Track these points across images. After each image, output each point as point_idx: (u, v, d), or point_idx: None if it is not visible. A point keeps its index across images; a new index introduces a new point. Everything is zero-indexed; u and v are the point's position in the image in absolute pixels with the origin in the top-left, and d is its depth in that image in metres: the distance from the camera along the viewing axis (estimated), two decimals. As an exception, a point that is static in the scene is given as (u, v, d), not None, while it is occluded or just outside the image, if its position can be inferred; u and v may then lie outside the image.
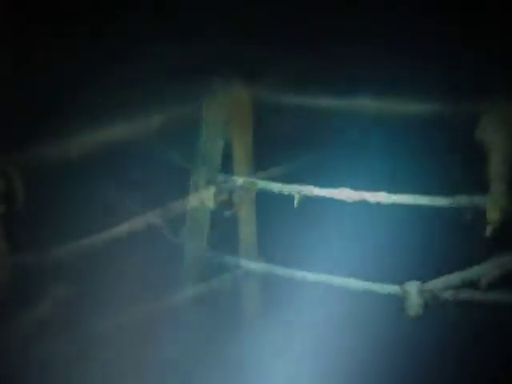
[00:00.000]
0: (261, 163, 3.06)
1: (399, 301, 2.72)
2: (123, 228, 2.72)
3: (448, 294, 2.70)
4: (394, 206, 2.75)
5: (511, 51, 2.93)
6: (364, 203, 2.82)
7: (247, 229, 3.09)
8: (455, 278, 2.72)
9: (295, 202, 2.84)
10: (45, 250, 2.55)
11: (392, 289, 2.77)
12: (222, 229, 3.05)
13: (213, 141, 3.04)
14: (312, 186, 2.84)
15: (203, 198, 2.91)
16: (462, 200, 2.64)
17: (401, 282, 2.74)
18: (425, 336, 2.87)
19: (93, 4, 2.78)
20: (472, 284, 2.69)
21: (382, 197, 2.78)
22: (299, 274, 2.92)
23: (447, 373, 2.85)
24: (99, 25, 2.83)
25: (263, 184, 2.92)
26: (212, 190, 2.91)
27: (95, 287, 2.86)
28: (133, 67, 2.85)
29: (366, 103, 2.72)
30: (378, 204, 2.78)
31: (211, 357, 3.05)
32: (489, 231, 2.59)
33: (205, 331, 3.08)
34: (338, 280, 2.89)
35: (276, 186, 2.88)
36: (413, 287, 2.72)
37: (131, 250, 2.82)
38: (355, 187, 2.83)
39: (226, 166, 2.98)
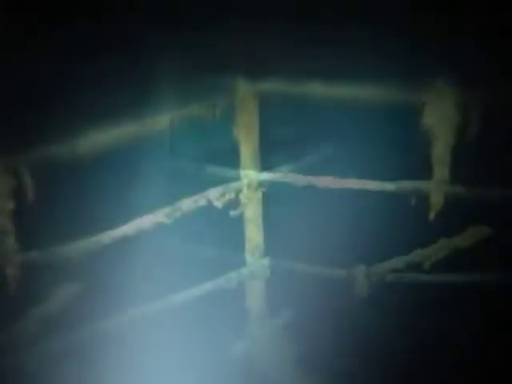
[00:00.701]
0: (267, 162, 3.11)
1: (347, 284, 2.84)
2: (132, 226, 2.74)
3: (393, 277, 2.82)
4: (340, 191, 2.82)
5: (454, 39, 2.96)
6: (312, 188, 2.89)
7: (253, 228, 3.12)
8: (400, 261, 2.83)
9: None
10: (54, 248, 2.60)
11: (339, 273, 2.90)
12: (229, 228, 3.10)
13: (220, 140, 3.10)
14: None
15: (210, 197, 2.96)
16: (407, 185, 2.70)
17: (348, 267, 2.86)
18: (372, 318, 2.98)
19: (104, 4, 2.81)
20: (417, 266, 2.80)
21: (329, 182, 2.85)
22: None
23: (394, 353, 2.94)
24: (110, 24, 2.86)
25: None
26: (219, 189, 2.98)
27: (103, 285, 2.91)
28: (142, 66, 2.89)
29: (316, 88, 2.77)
30: (326, 189, 2.85)
31: (216, 355, 3.11)
32: (432, 215, 2.66)
33: (210, 329, 3.14)
34: (287, 264, 3.06)
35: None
36: (359, 271, 2.83)
37: (139, 248, 2.86)
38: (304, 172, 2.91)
39: (233, 165, 3.03)
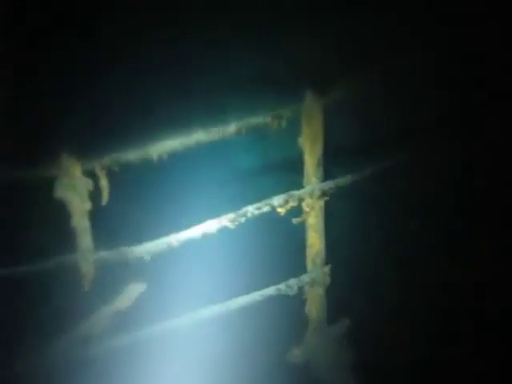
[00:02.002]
0: (330, 172, 3.21)
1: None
2: (197, 230, 2.89)
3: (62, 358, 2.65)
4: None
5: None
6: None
7: (315, 235, 3.22)
8: (65, 339, 2.74)
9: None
10: (125, 248, 2.76)
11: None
12: (290, 235, 3.21)
13: (285, 149, 3.21)
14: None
15: (274, 204, 3.07)
16: (57, 261, 2.68)
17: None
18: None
19: (176, 18, 2.97)
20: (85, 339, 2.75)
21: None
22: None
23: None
24: (181, 35, 3.02)
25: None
26: (283, 196, 3.08)
27: (168, 286, 3.05)
28: (210, 76, 3.03)
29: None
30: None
31: (274, 360, 3.21)
32: (87, 285, 2.70)
33: (269, 334, 3.25)
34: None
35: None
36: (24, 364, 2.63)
37: (204, 251, 3.00)
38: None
39: (297, 173, 3.14)
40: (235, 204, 3.03)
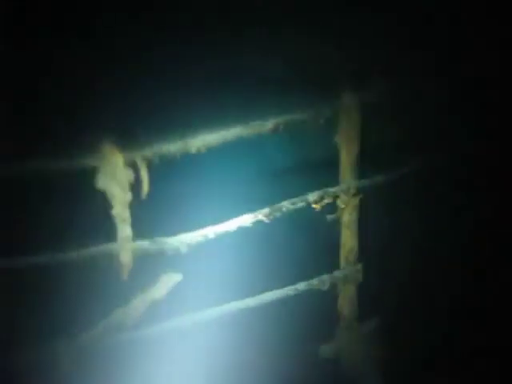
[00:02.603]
0: (365, 170, 3.25)
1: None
2: (233, 223, 2.95)
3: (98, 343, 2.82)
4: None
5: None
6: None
7: (348, 233, 3.26)
8: (104, 324, 2.86)
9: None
10: (163, 238, 2.84)
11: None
12: (324, 231, 3.26)
13: (321, 146, 3.26)
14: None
15: (309, 200, 3.13)
16: (97, 249, 2.75)
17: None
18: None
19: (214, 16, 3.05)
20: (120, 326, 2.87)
21: None
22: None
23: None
24: (220, 31, 3.09)
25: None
26: (318, 193, 3.13)
27: (201, 277, 3.13)
28: (251, 74, 3.10)
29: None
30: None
31: (304, 355, 3.27)
32: (125, 274, 2.78)
33: (300, 328, 3.30)
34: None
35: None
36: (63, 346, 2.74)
37: (239, 244, 3.07)
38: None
39: (333, 171, 3.19)
40: (270, 199, 3.10)
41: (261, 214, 3.02)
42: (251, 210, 3.01)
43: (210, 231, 2.90)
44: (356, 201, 3.18)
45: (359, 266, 3.24)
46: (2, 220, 2.74)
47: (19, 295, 2.81)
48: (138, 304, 2.89)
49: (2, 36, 2.70)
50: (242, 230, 2.98)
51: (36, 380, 2.69)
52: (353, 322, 3.30)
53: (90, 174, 2.66)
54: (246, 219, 3.00)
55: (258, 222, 3.02)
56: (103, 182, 2.69)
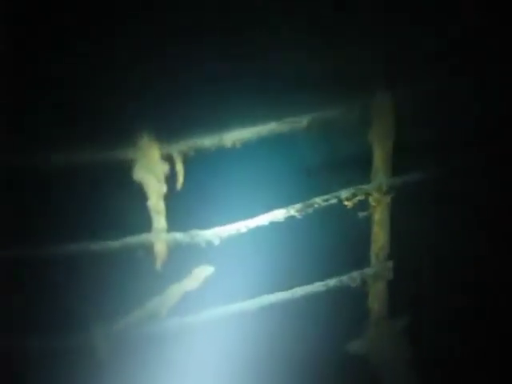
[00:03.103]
0: (398, 168, 3.29)
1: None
2: (265, 218, 3.02)
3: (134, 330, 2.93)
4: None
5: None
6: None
7: (379, 230, 3.31)
8: (138, 314, 2.96)
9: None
10: (196, 231, 2.92)
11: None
12: (355, 228, 3.31)
13: (354, 144, 3.31)
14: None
15: (341, 196, 3.18)
16: (131, 240, 2.87)
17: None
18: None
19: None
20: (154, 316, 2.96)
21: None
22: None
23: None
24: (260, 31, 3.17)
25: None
26: (350, 189, 3.18)
27: (233, 270, 3.20)
28: (287, 72, 3.16)
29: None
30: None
31: (333, 349, 3.32)
32: (159, 264, 2.88)
33: (330, 324, 3.36)
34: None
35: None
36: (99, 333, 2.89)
37: (271, 239, 3.14)
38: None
39: (365, 168, 3.24)
40: (303, 195, 3.16)
41: (293, 210, 3.09)
42: (283, 205, 3.08)
43: (243, 225, 2.98)
44: (388, 199, 3.21)
45: (390, 264, 3.28)
46: (46, 209, 2.86)
47: (59, 282, 2.92)
48: (172, 294, 2.98)
49: (43, 26, 2.80)
50: (273, 225, 3.05)
51: (74, 364, 2.80)
52: (382, 320, 3.33)
53: (128, 166, 2.77)
54: (278, 214, 3.07)
55: (290, 218, 3.08)
56: (140, 174, 2.79)
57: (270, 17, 3.23)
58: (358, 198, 3.18)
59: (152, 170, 2.78)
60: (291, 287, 3.16)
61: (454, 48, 3.26)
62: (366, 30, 3.35)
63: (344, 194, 3.15)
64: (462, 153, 3.38)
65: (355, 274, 3.25)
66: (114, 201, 2.93)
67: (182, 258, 2.91)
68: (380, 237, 3.28)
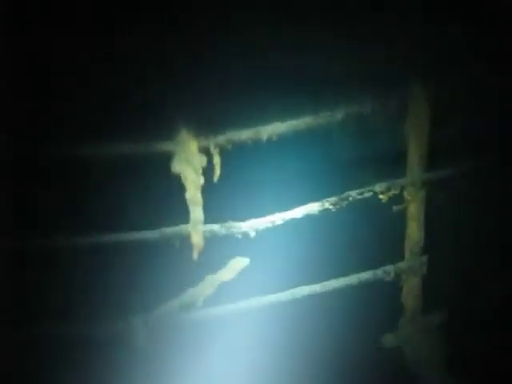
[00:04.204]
0: (434, 163, 3.36)
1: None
2: (300, 210, 3.10)
3: (171, 319, 3.03)
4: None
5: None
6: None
7: (414, 225, 3.36)
8: (175, 303, 3.07)
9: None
10: (232, 223, 3.02)
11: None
12: (390, 222, 3.39)
13: (390, 138, 3.39)
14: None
15: (376, 190, 3.26)
16: (169, 230, 2.97)
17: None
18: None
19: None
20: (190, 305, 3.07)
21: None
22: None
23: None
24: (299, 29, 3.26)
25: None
26: (385, 183, 3.24)
27: (268, 262, 3.31)
28: (322, 66, 3.26)
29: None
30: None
31: (366, 342, 3.41)
32: (195, 255, 2.97)
33: (364, 317, 3.44)
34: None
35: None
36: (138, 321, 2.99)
37: (305, 231, 3.24)
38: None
39: (401, 162, 3.31)
40: (338, 188, 3.23)
41: (328, 203, 3.15)
42: (318, 198, 3.15)
43: (278, 218, 3.07)
44: (423, 193, 3.27)
45: (424, 259, 3.32)
46: (89, 199, 3.00)
47: (100, 271, 3.07)
48: (208, 285, 3.10)
49: (94, 22, 2.94)
50: (308, 218, 3.13)
51: (112, 351, 2.94)
52: (416, 314, 3.37)
53: (167, 158, 2.89)
54: (313, 207, 3.13)
55: (325, 211, 3.15)
56: (178, 167, 2.90)
57: (308, 14, 3.33)
58: (392, 192, 3.24)
59: (190, 163, 2.89)
60: (325, 280, 3.22)
61: (490, 45, 3.31)
62: (401, 25, 3.42)
63: (379, 187, 3.20)
64: (497, 148, 3.44)
65: (389, 267, 3.30)
66: (154, 192, 3.06)
67: (219, 249, 3.02)
68: (414, 231, 3.33)
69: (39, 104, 3.00)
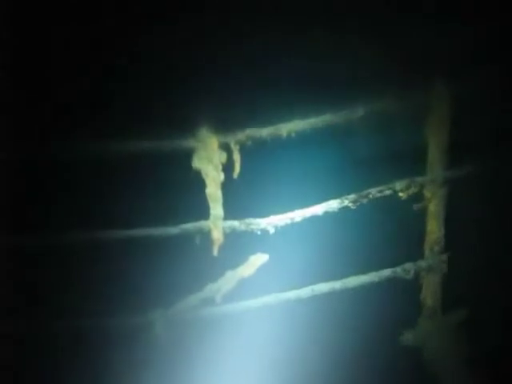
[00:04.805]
0: (454, 161, 3.38)
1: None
2: (320, 207, 3.15)
3: (190, 314, 3.11)
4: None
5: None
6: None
7: (434, 223, 3.39)
8: (194, 298, 3.14)
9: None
10: (250, 219, 3.08)
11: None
12: (409, 220, 3.42)
13: (410, 135, 3.43)
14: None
15: (396, 188, 3.29)
16: (190, 226, 3.05)
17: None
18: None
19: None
20: (210, 301, 3.15)
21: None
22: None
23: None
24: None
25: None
26: (405, 181, 3.26)
27: (287, 259, 3.36)
28: (341, 63, 3.30)
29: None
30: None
31: (385, 339, 3.45)
32: (215, 250, 3.06)
33: (383, 314, 3.48)
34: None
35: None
36: (158, 314, 3.07)
37: (324, 228, 3.29)
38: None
39: (421, 160, 3.34)
40: (357, 186, 3.27)
41: (347, 200, 3.20)
42: (338, 195, 3.20)
43: (297, 214, 3.12)
44: (443, 191, 3.29)
45: (444, 257, 3.35)
46: (111, 195, 3.08)
47: (121, 265, 3.14)
48: (227, 280, 3.15)
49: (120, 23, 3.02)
50: (328, 215, 3.18)
51: (132, 344, 3.02)
52: (436, 313, 3.39)
53: (188, 155, 2.95)
54: (333, 204, 3.19)
55: (345, 208, 3.21)
56: (199, 163, 2.97)
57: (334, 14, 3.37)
58: (412, 190, 3.28)
59: (210, 159, 2.96)
60: (344, 277, 3.27)
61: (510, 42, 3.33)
62: (423, 21, 3.45)
63: (399, 185, 3.24)
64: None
65: (409, 265, 3.33)
66: (174, 188, 3.11)
67: (238, 245, 3.07)
68: (435, 229, 3.36)
69: (65, 102, 3.09)
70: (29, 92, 3.05)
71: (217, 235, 3.00)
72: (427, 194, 3.28)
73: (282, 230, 3.10)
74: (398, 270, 3.33)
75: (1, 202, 2.99)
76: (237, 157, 2.97)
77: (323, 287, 3.24)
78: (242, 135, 2.98)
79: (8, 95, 2.99)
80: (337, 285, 3.27)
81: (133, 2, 3.03)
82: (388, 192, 3.24)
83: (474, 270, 3.47)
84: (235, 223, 3.04)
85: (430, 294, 3.40)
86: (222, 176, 2.98)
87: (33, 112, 3.06)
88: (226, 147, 2.97)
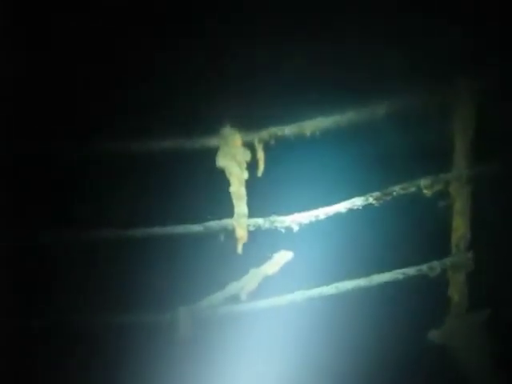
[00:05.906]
0: (480, 158, 3.42)
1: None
2: (344, 205, 3.19)
3: (215, 312, 3.18)
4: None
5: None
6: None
7: (460, 220, 3.43)
8: (219, 296, 3.20)
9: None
10: (274, 217, 3.13)
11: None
12: (435, 217, 3.47)
13: (434, 133, 3.47)
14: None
15: (420, 185, 3.34)
16: (214, 224, 3.11)
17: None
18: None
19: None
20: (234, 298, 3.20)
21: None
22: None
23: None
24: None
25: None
26: (429, 178, 3.31)
27: (311, 256, 3.43)
28: (365, 64, 3.36)
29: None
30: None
31: (411, 337, 3.49)
32: (239, 248, 3.12)
33: (408, 312, 3.53)
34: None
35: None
36: (182, 312, 3.13)
37: (348, 226, 3.34)
38: None
39: (446, 157, 3.38)
40: (381, 183, 3.31)
41: (371, 198, 3.23)
42: (362, 193, 3.23)
43: (321, 212, 3.17)
44: (469, 188, 3.32)
45: (470, 254, 3.37)
46: (136, 193, 3.18)
47: (147, 263, 3.24)
48: (252, 278, 3.22)
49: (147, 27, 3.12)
50: (352, 213, 3.22)
51: (157, 340, 3.11)
52: (463, 311, 3.41)
53: (212, 153, 3.02)
54: (357, 202, 3.22)
55: (369, 206, 3.24)
56: (223, 161, 3.02)
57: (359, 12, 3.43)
58: (437, 187, 3.32)
59: (234, 157, 3.02)
60: (369, 274, 3.30)
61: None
62: (447, 20, 3.49)
63: (423, 182, 3.26)
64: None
65: (435, 263, 3.35)
66: (199, 187, 3.20)
67: (262, 243, 3.13)
68: (460, 226, 3.38)
69: (90, 100, 3.19)
70: (49, 92, 3.16)
71: (241, 233, 3.07)
72: (452, 191, 3.30)
73: (306, 228, 3.15)
74: (424, 267, 3.36)
75: (21, 197, 3.10)
76: (260, 155, 3.03)
77: (348, 285, 3.29)
78: (265, 133, 3.04)
79: (31, 96, 3.10)
80: (361, 282, 3.31)
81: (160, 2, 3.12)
82: (412, 189, 3.27)
83: (500, 267, 3.51)
84: (259, 221, 3.10)
85: (456, 291, 3.42)
86: (245, 174, 3.04)
87: (55, 111, 3.16)
88: (249, 145, 3.03)
